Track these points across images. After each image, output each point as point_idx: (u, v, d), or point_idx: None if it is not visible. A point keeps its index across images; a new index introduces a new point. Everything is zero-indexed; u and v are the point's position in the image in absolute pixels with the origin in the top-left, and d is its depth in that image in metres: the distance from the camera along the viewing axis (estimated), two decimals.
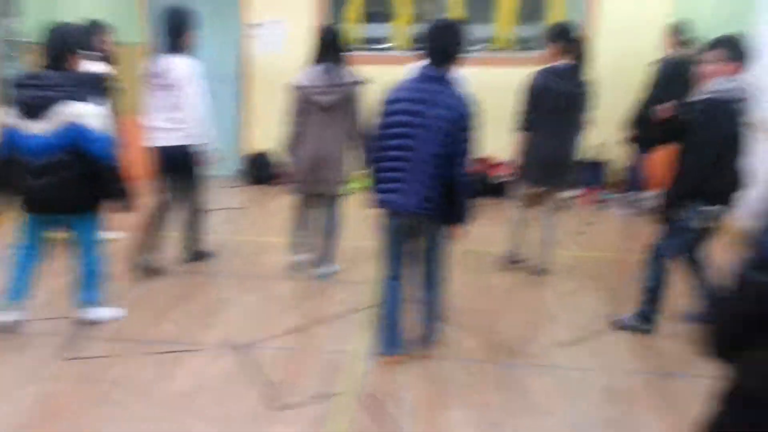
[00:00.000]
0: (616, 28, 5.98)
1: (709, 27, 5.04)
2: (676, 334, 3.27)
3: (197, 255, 4.21)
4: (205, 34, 6.49)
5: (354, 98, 3.65)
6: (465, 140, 2.62)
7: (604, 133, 5.90)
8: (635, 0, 6.03)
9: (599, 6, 6.10)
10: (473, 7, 6.34)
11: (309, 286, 3.88)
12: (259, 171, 6.52)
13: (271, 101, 5.21)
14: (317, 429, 2.50)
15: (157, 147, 3.81)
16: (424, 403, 2.68)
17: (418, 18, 6.30)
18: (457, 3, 6.27)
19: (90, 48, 3.98)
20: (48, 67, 3.00)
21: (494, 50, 6.44)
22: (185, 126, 3.72)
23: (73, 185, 2.97)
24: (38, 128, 2.90)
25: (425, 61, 2.70)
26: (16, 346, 3.06)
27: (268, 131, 5.56)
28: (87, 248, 3.19)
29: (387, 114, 2.71)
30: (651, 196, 5.74)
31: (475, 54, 6.39)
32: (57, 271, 3.43)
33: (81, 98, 2.94)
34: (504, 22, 6.30)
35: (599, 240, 4.96)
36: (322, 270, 3.98)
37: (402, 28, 6.39)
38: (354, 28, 6.43)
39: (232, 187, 6.35)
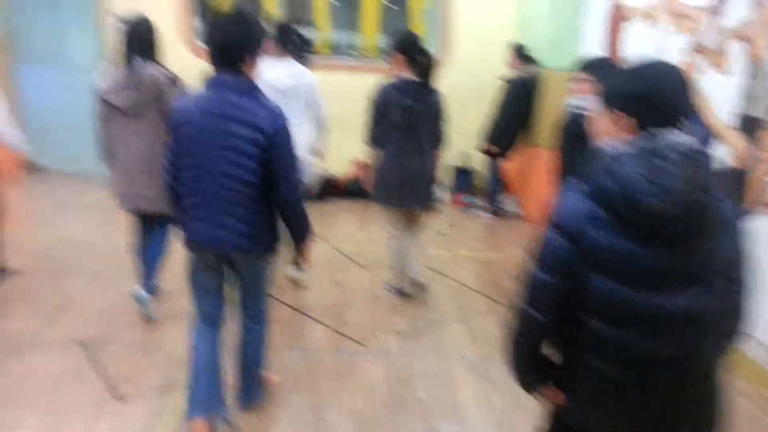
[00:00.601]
0: (471, 41, 6.42)
1: (546, 47, 5.61)
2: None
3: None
4: (64, 22, 6.42)
5: (162, 100, 3.14)
6: (284, 158, 2.23)
7: (466, 141, 6.38)
8: (485, 19, 6.48)
9: (455, 20, 6.53)
10: (340, 14, 6.62)
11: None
12: None
13: None
14: (155, 419, 2.60)
15: None
16: None
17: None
18: (323, 10, 6.54)
19: None
20: None
21: (361, 58, 6.74)
22: None
23: None
24: None
25: (213, 66, 2.24)
26: None
27: None
28: None
29: (177, 129, 2.25)
30: (509, 201, 6.27)
31: (341, 60, 6.73)
32: None
33: None
34: (368, 31, 6.62)
35: (457, 241, 5.36)
36: (140, 294, 3.45)
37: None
38: None
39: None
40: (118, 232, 4.84)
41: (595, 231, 1.38)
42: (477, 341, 3.51)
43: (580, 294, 1.42)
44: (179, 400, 2.72)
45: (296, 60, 3.77)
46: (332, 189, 6.23)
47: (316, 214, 5.70)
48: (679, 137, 1.38)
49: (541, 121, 5.52)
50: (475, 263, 4.81)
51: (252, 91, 2.21)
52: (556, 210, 1.45)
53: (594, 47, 5.15)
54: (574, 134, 3.09)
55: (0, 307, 3.48)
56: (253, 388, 2.68)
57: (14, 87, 6.48)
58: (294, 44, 3.82)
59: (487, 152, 5.92)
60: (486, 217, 6.07)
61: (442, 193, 6.31)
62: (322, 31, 6.62)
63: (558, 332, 1.52)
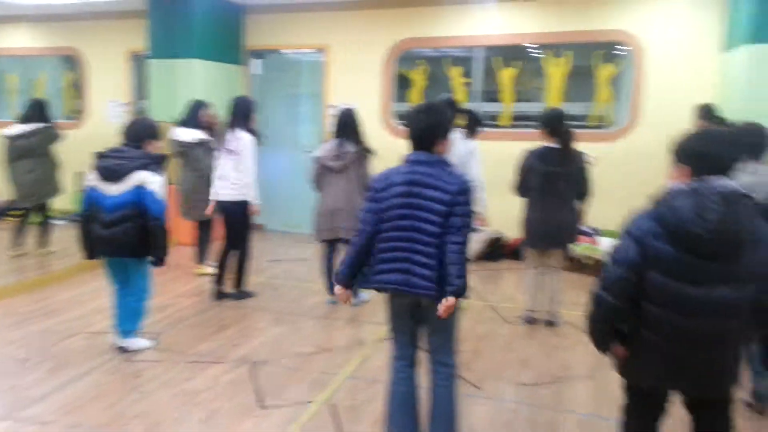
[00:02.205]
0: (664, 104, 6.27)
1: (743, 109, 5.15)
2: None
3: None
4: (299, 112, 7.90)
5: (358, 165, 4.72)
6: (460, 213, 2.54)
7: None
8: (681, 82, 6.25)
9: (648, 84, 6.40)
10: (529, 86, 6.88)
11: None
12: None
13: None
14: (285, 427, 3.11)
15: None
16: None
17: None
18: (508, 86, 6.88)
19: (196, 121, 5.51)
20: (128, 145, 3.83)
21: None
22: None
23: (134, 235, 3.71)
24: (114, 190, 3.69)
25: (412, 147, 2.66)
26: (104, 348, 4.10)
27: None
28: (137, 288, 3.94)
29: (378, 192, 2.66)
30: None
31: (522, 130, 6.93)
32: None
33: (150, 170, 3.72)
34: (552, 101, 6.76)
35: None
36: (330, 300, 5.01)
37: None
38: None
39: None
40: (305, 280, 5.75)
41: (654, 240, 1.95)
42: (596, 399, 3.39)
43: (641, 286, 1.99)
44: (308, 415, 3.21)
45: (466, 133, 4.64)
46: (500, 249, 6.40)
47: (481, 272, 5.97)
48: (722, 182, 1.93)
49: None
50: None
51: (441, 163, 2.61)
52: (631, 228, 2.02)
53: None
54: None
55: (199, 332, 4.42)
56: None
57: None
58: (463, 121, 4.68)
59: None
60: None
61: None
62: (506, 104, 7.02)
63: (627, 314, 2.08)
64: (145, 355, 3.96)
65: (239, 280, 5.14)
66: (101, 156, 3.77)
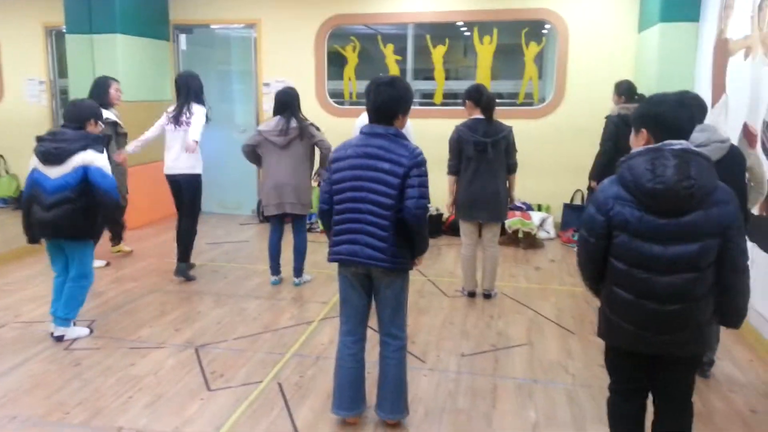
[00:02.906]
0: (587, 81, 6.60)
1: (655, 86, 5.49)
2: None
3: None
4: (233, 91, 7.72)
5: (302, 138, 4.71)
6: (415, 185, 2.60)
7: (578, 179, 6.36)
8: (602, 61, 6.57)
9: (571, 61, 6.70)
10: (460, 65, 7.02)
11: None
12: None
13: None
14: (233, 407, 3.14)
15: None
16: None
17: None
18: (439, 64, 6.97)
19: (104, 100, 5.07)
20: (68, 126, 3.79)
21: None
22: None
23: (75, 217, 3.68)
24: (54, 173, 3.66)
25: (371, 120, 2.71)
26: (38, 338, 3.96)
27: None
28: (78, 273, 3.86)
29: (335, 165, 2.74)
30: None
31: (455, 108, 7.10)
32: None
33: (92, 149, 3.70)
34: (481, 79, 6.90)
35: (552, 275, 5.39)
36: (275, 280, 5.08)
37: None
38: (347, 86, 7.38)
39: None
40: (245, 262, 5.72)
41: (619, 205, 2.07)
42: (532, 365, 3.61)
43: (609, 245, 2.13)
44: (255, 394, 3.25)
45: None
46: (438, 225, 6.59)
47: None
48: (676, 143, 2.04)
49: None
50: (562, 296, 4.83)
51: (397, 136, 2.66)
52: (597, 194, 2.15)
53: (704, 82, 5.04)
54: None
55: (139, 317, 4.34)
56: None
57: None
58: None
59: (590, 189, 5.86)
60: None
61: (550, 232, 6.34)
62: (439, 83, 7.13)
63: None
64: (83, 343, 3.87)
65: (187, 255, 5.15)
66: (39, 140, 3.74)
